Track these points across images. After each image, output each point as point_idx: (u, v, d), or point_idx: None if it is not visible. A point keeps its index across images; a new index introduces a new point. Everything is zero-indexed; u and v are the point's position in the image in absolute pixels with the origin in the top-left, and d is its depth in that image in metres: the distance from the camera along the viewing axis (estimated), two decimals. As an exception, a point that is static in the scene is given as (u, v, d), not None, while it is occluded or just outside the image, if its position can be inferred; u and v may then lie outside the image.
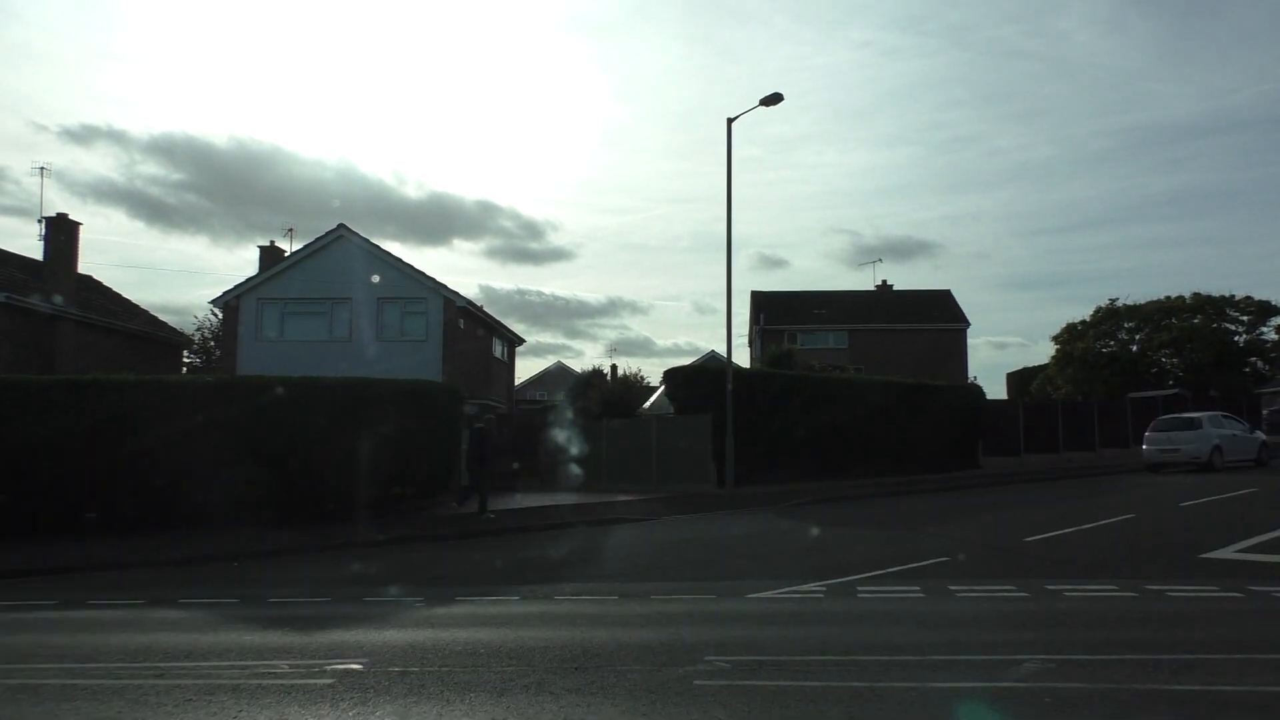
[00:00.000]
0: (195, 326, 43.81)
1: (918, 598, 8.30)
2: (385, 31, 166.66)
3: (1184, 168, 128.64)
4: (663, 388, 29.56)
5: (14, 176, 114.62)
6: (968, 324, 52.16)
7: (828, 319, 52.29)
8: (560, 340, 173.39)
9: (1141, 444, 27.31)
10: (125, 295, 36.75)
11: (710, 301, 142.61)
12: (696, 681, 5.25)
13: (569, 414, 30.62)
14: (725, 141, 23.14)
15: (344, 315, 28.90)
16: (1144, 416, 31.94)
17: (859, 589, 8.85)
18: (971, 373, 51.53)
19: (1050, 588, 8.49)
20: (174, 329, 38.33)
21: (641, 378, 47.54)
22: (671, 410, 26.43)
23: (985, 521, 15.22)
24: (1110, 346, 48.07)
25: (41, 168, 33.06)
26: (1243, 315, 46.19)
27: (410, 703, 5.03)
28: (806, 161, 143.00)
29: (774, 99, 22.30)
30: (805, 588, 9.03)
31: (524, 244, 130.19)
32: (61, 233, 29.87)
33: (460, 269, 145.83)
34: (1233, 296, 46.30)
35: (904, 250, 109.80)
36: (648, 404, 34.96)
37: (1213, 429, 25.76)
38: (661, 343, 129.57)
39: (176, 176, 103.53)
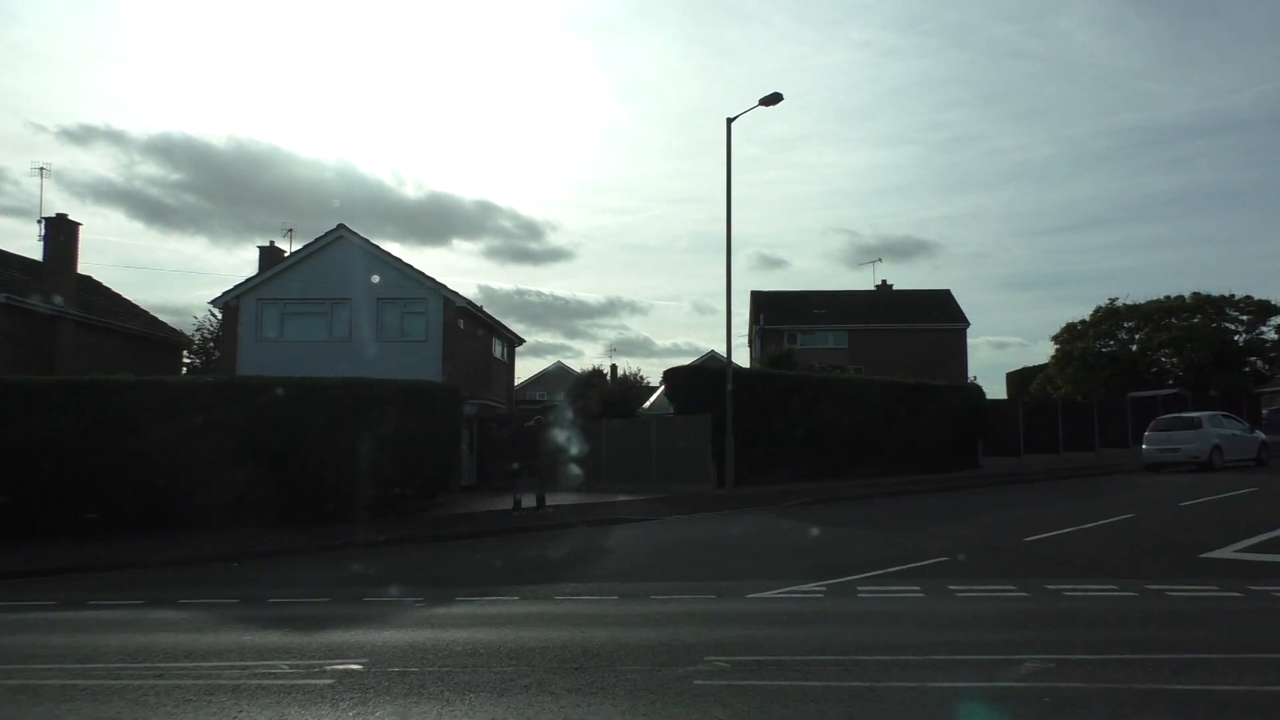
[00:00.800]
0: (195, 327, 43.78)
1: (918, 598, 8.30)
2: (384, 31, 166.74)
3: (1184, 167, 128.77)
4: (662, 388, 29.56)
5: (13, 177, 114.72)
6: (967, 324, 52.18)
7: (827, 319, 52.29)
8: (560, 340, 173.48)
9: (1141, 444, 27.32)
10: (125, 296, 36.77)
11: (710, 301, 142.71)
12: (697, 681, 5.25)
13: (569, 414, 30.61)
14: (725, 141, 23.17)
15: (344, 315, 28.89)
16: (1144, 416, 31.95)
17: (859, 589, 8.85)
18: (971, 373, 51.58)
19: (1050, 588, 8.49)
20: (174, 329, 38.32)
21: (641, 378, 47.55)
22: (671, 410, 26.43)
23: (985, 521, 15.22)
24: (1110, 346, 48.07)
25: (41, 168, 33.08)
26: (1242, 315, 46.19)
27: (410, 703, 5.03)
28: (806, 161, 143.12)
29: (774, 99, 22.30)
30: (805, 588, 9.02)
31: (523, 244, 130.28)
32: (61, 233, 29.86)
33: (459, 269, 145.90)
34: (1232, 296, 46.31)
35: (903, 250, 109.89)
36: (647, 404, 34.94)
37: (1212, 429, 25.77)
38: (661, 343, 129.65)
39: (175, 177, 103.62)
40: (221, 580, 11.72)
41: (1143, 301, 47.99)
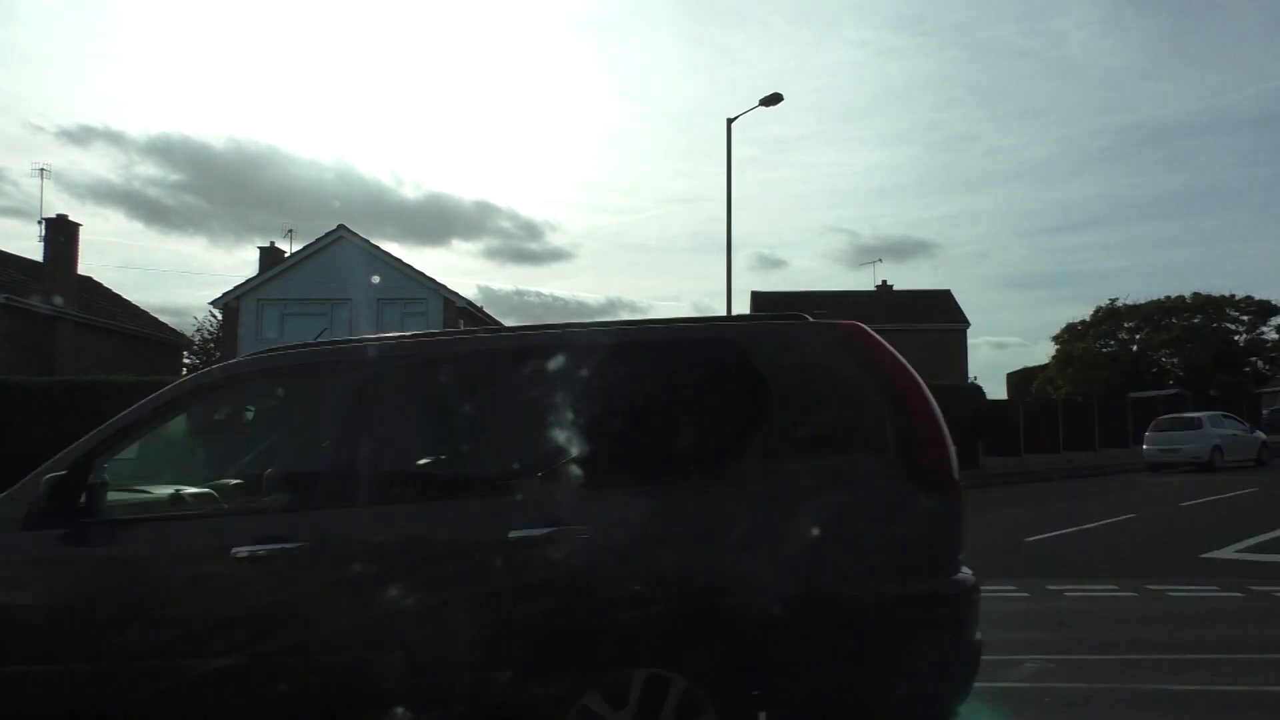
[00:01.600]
0: (195, 328, 43.80)
1: (918, 598, 8.28)
2: (382, 31, 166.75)
3: (1183, 167, 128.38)
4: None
5: (11, 178, 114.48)
6: (968, 324, 52.12)
7: (827, 319, 52.22)
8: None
9: (1142, 444, 27.30)
10: (124, 296, 36.77)
11: (709, 302, 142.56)
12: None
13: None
14: (725, 142, 23.16)
15: (344, 316, 28.92)
16: (1144, 416, 31.94)
17: (859, 589, 8.83)
18: (971, 373, 51.56)
19: (1051, 588, 8.49)
20: (174, 330, 38.32)
21: (641, 378, 47.63)
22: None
23: (985, 521, 15.20)
24: (1110, 346, 48.11)
25: (41, 169, 33.15)
26: (1243, 315, 46.23)
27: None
28: (804, 161, 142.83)
29: (774, 99, 22.31)
30: (805, 588, 9.01)
31: (523, 244, 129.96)
32: (61, 234, 29.87)
33: (459, 269, 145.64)
34: (1233, 296, 46.35)
35: (902, 250, 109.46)
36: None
37: (1213, 429, 25.75)
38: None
39: (174, 177, 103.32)
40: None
41: (1143, 302, 48.05)
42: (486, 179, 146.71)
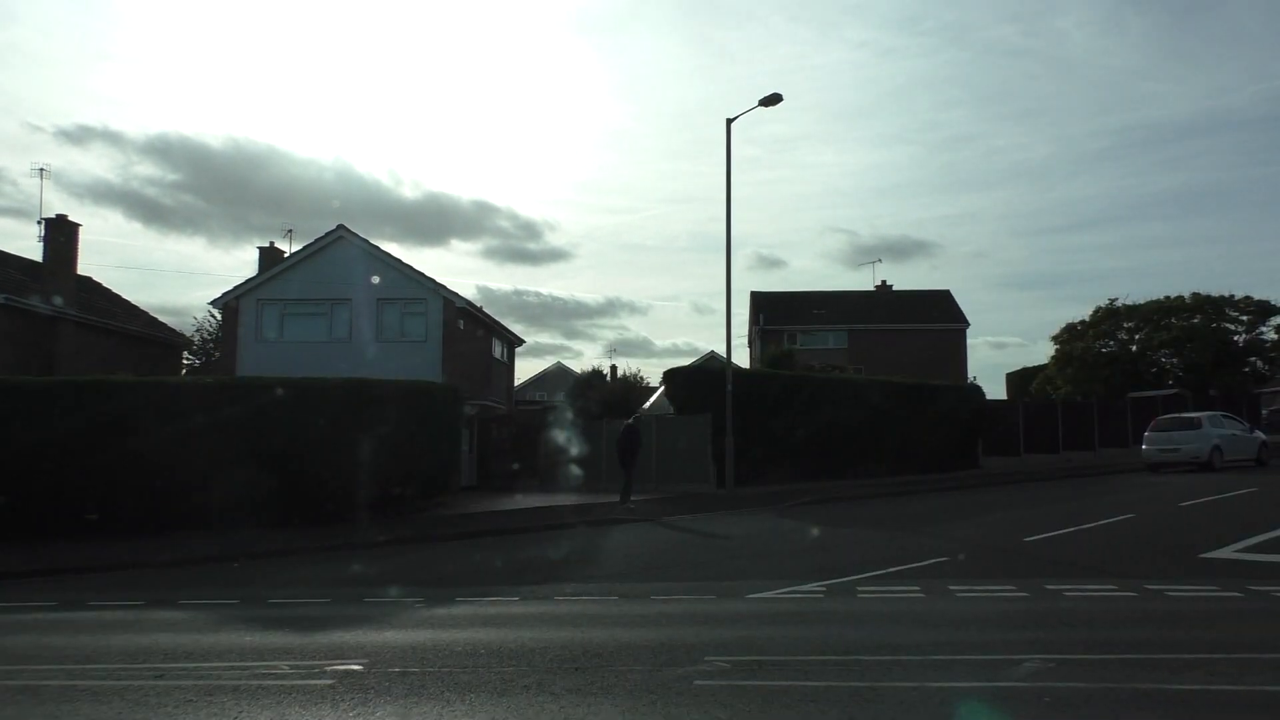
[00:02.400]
0: (194, 328, 43.76)
1: (918, 598, 8.31)
2: (380, 30, 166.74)
3: (1182, 167, 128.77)
4: (663, 388, 29.58)
5: (10, 178, 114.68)
6: (967, 324, 52.20)
7: (827, 319, 52.30)
8: (559, 341, 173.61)
9: (1141, 444, 27.33)
10: (124, 296, 36.76)
11: (708, 302, 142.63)
12: (697, 681, 5.25)
13: (569, 415, 30.63)
14: (724, 142, 23.18)
15: (344, 316, 28.88)
16: (1144, 416, 31.97)
17: (859, 589, 8.86)
18: (971, 373, 51.58)
19: (1050, 588, 8.51)
20: (173, 330, 38.31)
21: (641, 378, 47.63)
22: (671, 411, 26.43)
23: (985, 521, 15.24)
24: (1110, 346, 48.05)
25: (40, 169, 33.08)
26: (1242, 315, 46.15)
27: (411, 703, 5.03)
28: (804, 161, 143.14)
29: (773, 99, 22.32)
30: (805, 588, 9.04)
31: (521, 244, 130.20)
32: (61, 234, 29.86)
33: (458, 269, 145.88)
34: (1232, 296, 46.28)
35: (902, 250, 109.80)
36: (648, 404, 34.95)
37: (1212, 429, 25.78)
38: (660, 343, 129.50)
39: (173, 177, 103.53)
40: (222, 581, 11.73)
41: (1142, 302, 47.97)
42: (485, 179, 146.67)
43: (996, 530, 13.85)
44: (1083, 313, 54.92)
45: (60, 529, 15.96)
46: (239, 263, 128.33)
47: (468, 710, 4.87)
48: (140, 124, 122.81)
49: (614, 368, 58.85)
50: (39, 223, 29.87)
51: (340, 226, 29.14)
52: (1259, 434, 27.59)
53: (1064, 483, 23.98)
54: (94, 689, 5.58)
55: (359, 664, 6.02)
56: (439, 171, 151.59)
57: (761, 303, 54.30)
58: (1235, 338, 46.06)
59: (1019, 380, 59.35)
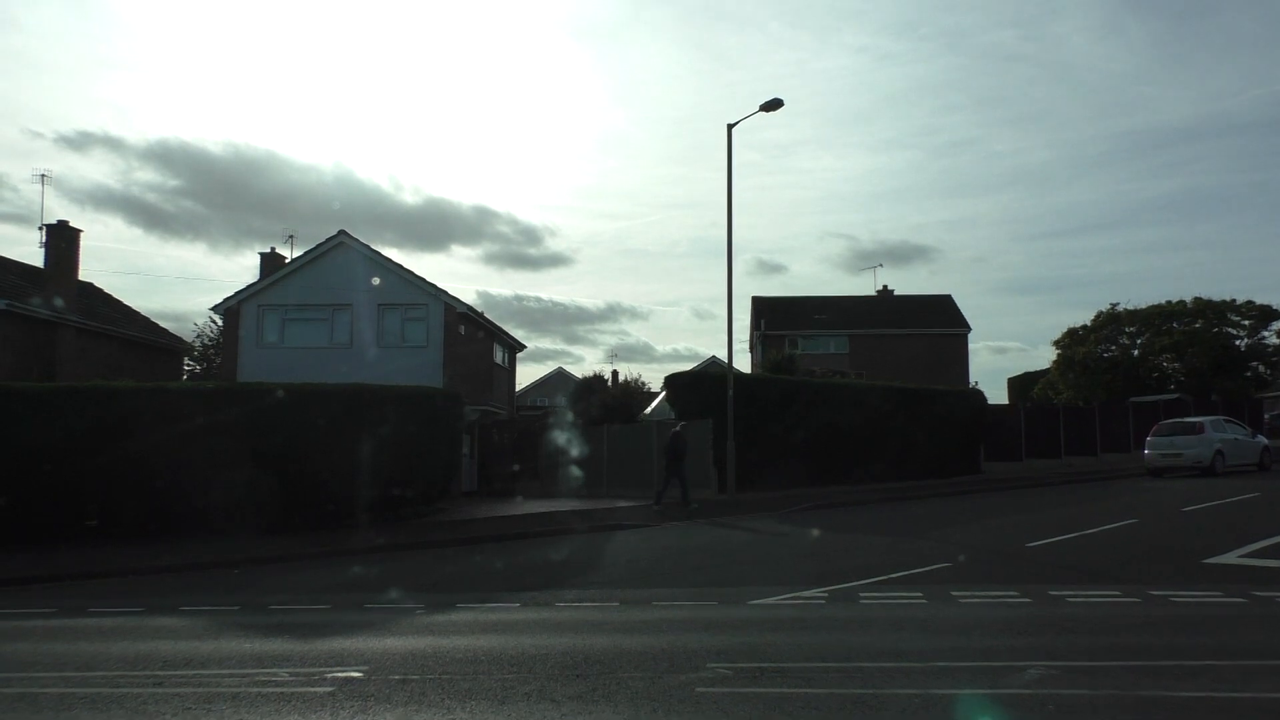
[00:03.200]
0: (195, 333, 43.74)
1: (920, 603, 8.28)
2: (380, 36, 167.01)
3: (1182, 171, 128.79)
4: (664, 393, 29.55)
5: (11, 184, 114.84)
6: (969, 329, 52.15)
7: (828, 324, 52.27)
8: (560, 346, 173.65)
9: (1143, 448, 27.26)
10: (125, 302, 36.76)
11: (709, 307, 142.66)
12: (699, 689, 5.22)
13: (569, 419, 30.60)
14: (725, 147, 23.15)
15: (345, 321, 28.87)
16: (1145, 421, 31.92)
17: (861, 595, 8.83)
18: (972, 378, 51.52)
19: (1053, 593, 8.47)
20: (174, 335, 38.29)
21: (642, 383, 47.59)
22: (673, 416, 26.39)
23: (987, 526, 15.19)
24: (1111, 351, 48.04)
25: (42, 175, 33.11)
26: (1244, 320, 46.16)
27: (411, 711, 5.00)
28: (803, 166, 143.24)
29: (774, 104, 22.31)
30: (807, 594, 9.00)
31: (522, 250, 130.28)
32: (62, 240, 29.88)
33: (458, 275, 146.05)
34: (1234, 301, 46.30)
35: (901, 255, 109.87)
36: (649, 409, 34.93)
37: (1215, 433, 25.70)
38: (661, 348, 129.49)
39: (173, 183, 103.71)
40: (222, 586, 11.70)
41: (1144, 306, 47.98)
42: (485, 184, 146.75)
43: (998, 535, 13.80)
44: (1083, 318, 54.84)
45: (60, 534, 15.94)
46: (240, 268, 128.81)
47: (468, 718, 4.84)
48: (141, 130, 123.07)
49: (615, 373, 58.82)
50: (40, 229, 29.93)
51: (341, 232, 29.14)
52: (1261, 439, 27.52)
53: (1066, 488, 23.92)
54: (92, 697, 5.55)
55: (359, 671, 5.99)
56: (439, 177, 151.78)
57: (763, 308, 54.27)
58: (1237, 342, 46.07)
59: (1020, 385, 59.32)
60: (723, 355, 30.11)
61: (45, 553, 14.62)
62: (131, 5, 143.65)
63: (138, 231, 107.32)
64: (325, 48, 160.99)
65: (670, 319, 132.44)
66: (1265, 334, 46.03)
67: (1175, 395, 38.79)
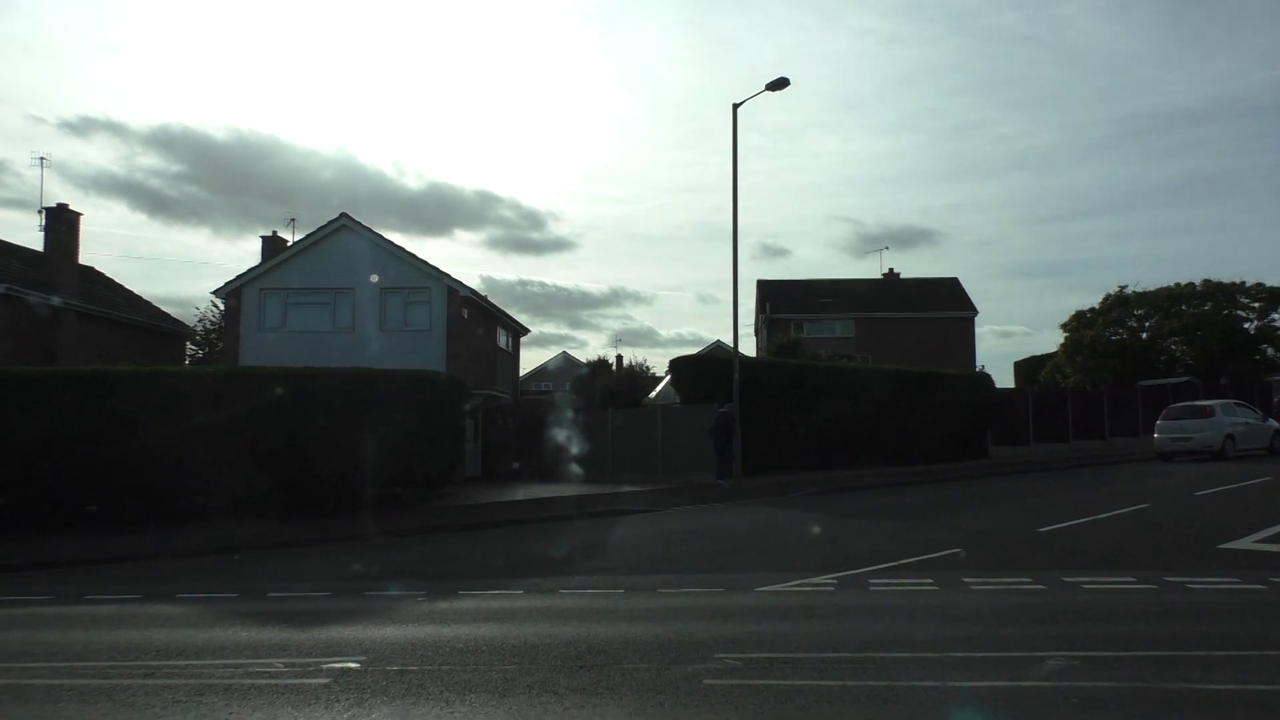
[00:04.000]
0: (197, 318, 43.61)
1: (931, 591, 8.09)
2: (382, 20, 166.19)
3: (1190, 154, 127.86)
4: (668, 378, 29.37)
5: (14, 170, 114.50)
6: (976, 312, 51.83)
7: (834, 308, 51.95)
8: (564, 331, 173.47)
9: (1152, 432, 27.05)
10: (128, 287, 36.59)
11: (713, 291, 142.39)
12: (707, 681, 5.04)
13: (573, 404, 30.43)
14: (730, 129, 22.84)
15: (347, 305, 28.68)
16: (1154, 405, 31.66)
17: (871, 582, 8.64)
18: (978, 362, 51.24)
19: (1067, 580, 8.28)
20: (177, 320, 38.11)
21: (647, 368, 47.56)
22: (677, 400, 26.21)
23: (997, 512, 15.01)
24: (1120, 334, 47.74)
25: (41, 158, 33.04)
26: (1253, 302, 45.82)
27: (408, 704, 4.83)
28: (808, 150, 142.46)
29: (780, 83, 21.99)
30: (816, 580, 8.82)
31: (525, 234, 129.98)
32: (62, 223, 29.69)
33: (462, 260, 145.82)
34: (1243, 283, 45.93)
35: (906, 238, 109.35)
36: (653, 394, 34.78)
37: (1225, 417, 25.46)
38: (665, 333, 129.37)
39: (176, 168, 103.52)
40: (221, 574, 11.55)
41: (1153, 289, 47.63)
42: (488, 169, 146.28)
43: (1008, 521, 13.61)
44: (1089, 301, 54.72)
45: (60, 521, 15.80)
46: (243, 253, 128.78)
47: (468, 712, 4.66)
48: (143, 115, 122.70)
49: (619, 357, 58.72)
50: (40, 212, 29.76)
51: (343, 215, 28.90)
52: (1272, 422, 27.24)
53: (1075, 472, 23.73)
54: (81, 688, 5.38)
55: (356, 661, 5.82)
56: (442, 162, 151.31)
57: (768, 291, 53.98)
58: (1246, 325, 45.75)
59: (1027, 369, 59.05)
60: (727, 340, 29.91)
61: (44, 540, 14.49)
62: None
63: (141, 217, 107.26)
64: (328, 32, 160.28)
65: (674, 303, 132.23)
66: (1275, 316, 45.70)
67: (1184, 378, 38.51)
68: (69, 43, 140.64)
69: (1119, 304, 48.10)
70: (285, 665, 5.85)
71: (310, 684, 5.28)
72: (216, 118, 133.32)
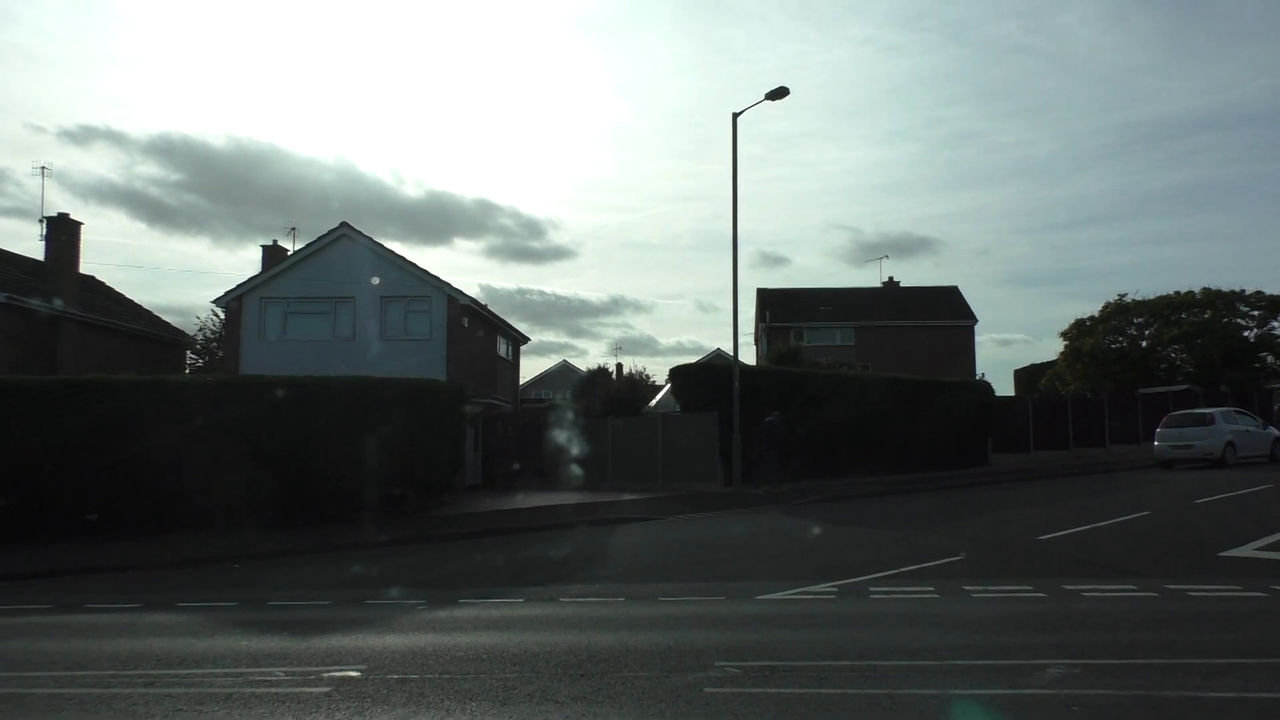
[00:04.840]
0: (197, 326, 43.63)
1: (932, 599, 8.08)
2: (382, 29, 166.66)
3: (1188, 162, 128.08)
4: (668, 386, 29.37)
5: (14, 179, 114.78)
6: (975, 320, 51.86)
7: (834, 316, 51.95)
8: (564, 339, 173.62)
9: (1152, 440, 27.04)
10: (128, 296, 36.63)
11: (713, 300, 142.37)
12: (707, 689, 5.04)
13: (573, 412, 30.43)
14: (729, 138, 22.91)
15: (347, 314, 28.71)
16: (1154, 412, 31.65)
17: (871, 590, 8.63)
18: (978, 370, 51.24)
19: (1068, 588, 8.27)
20: (177, 329, 38.17)
21: (646, 376, 47.53)
22: (677, 408, 26.21)
23: (997, 519, 14.99)
24: (1120, 342, 47.79)
25: (43, 167, 33.05)
26: (1253, 310, 45.88)
27: (409, 712, 4.82)
28: (807, 158, 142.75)
29: (780, 93, 22.06)
30: (816, 588, 8.81)
31: (525, 243, 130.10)
32: (63, 232, 29.73)
33: (461, 268, 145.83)
34: (1242, 291, 46.01)
35: (905, 247, 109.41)
36: (653, 402, 34.78)
37: (1226, 425, 25.46)
38: (665, 341, 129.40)
39: (176, 177, 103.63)
40: (221, 582, 11.54)
41: (1153, 297, 47.70)
42: (488, 177, 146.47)
43: (1009, 528, 13.60)
44: (1089, 309, 54.76)
45: (60, 530, 15.79)
46: (243, 262, 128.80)
47: (468, 720, 4.66)
48: (143, 124, 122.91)
49: (619, 366, 58.65)
50: (40, 221, 29.78)
51: (343, 224, 28.97)
52: (1272, 430, 27.26)
53: (1075, 480, 23.70)
54: (81, 697, 5.38)
55: (357, 670, 5.82)
56: (442, 170, 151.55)
57: (768, 300, 54.02)
58: (1246, 333, 45.79)
59: (1027, 377, 59.09)
60: (727, 348, 29.97)
61: (45, 548, 14.46)
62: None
63: (141, 226, 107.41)
64: (327, 41, 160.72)
65: (674, 312, 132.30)
66: (1274, 324, 45.75)
67: (1184, 386, 38.52)
68: (69, 52, 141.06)
69: (1119, 312, 48.17)
70: (286, 674, 5.84)
71: (311, 693, 5.28)
72: (216, 127, 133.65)
